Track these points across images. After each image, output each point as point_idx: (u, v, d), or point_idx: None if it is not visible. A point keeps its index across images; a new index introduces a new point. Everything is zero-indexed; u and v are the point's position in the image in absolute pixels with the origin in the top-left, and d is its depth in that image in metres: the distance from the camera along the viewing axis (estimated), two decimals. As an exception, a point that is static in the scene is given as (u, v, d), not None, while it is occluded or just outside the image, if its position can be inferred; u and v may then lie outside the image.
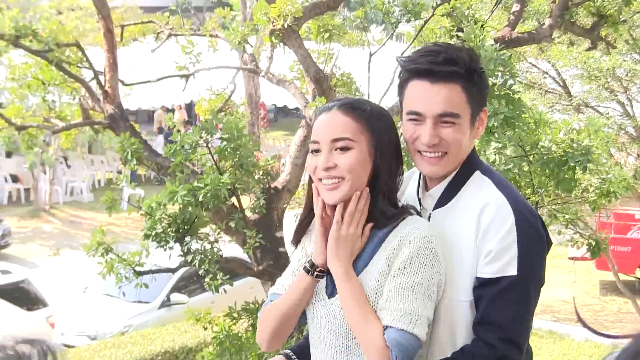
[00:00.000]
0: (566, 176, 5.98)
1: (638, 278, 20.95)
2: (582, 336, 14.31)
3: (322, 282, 2.83)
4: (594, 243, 6.94)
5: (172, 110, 28.37)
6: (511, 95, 6.05)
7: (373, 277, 2.65)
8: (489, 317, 2.61)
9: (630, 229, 20.95)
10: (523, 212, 2.64)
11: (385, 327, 2.55)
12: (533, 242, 2.62)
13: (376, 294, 2.63)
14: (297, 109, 34.22)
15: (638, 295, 18.02)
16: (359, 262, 2.71)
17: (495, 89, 6.02)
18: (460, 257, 2.66)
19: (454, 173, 2.77)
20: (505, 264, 2.58)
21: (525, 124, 6.24)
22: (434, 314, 2.64)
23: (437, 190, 2.79)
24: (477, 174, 2.77)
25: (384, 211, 2.70)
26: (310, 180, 2.81)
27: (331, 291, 2.77)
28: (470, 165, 2.78)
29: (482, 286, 2.62)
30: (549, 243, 2.76)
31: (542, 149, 6.06)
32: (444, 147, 2.68)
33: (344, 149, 2.65)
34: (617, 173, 6.86)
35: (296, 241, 2.99)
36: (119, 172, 26.57)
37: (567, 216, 6.96)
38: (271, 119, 36.67)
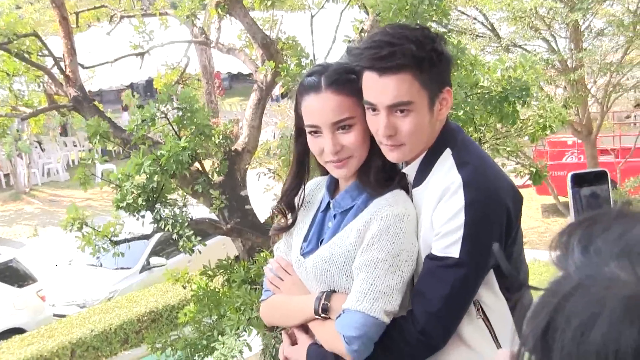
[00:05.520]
0: (508, 111, 5.88)
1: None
2: (530, 257, 14.32)
3: (298, 242, 2.69)
4: (534, 171, 6.91)
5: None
6: (450, 38, 5.92)
7: (343, 245, 2.47)
8: (421, 288, 2.44)
9: (565, 155, 21.08)
10: (478, 195, 2.40)
11: (343, 310, 2.42)
12: (482, 226, 2.38)
13: (345, 260, 2.46)
14: (250, 74, 33.88)
15: (577, 214, 18.14)
16: (344, 219, 2.56)
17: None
18: (424, 237, 2.47)
19: (425, 152, 2.52)
20: (449, 244, 2.37)
21: (463, 67, 6.13)
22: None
23: (412, 168, 2.54)
24: (446, 152, 2.50)
25: (375, 177, 2.51)
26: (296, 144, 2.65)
27: (304, 253, 2.63)
28: (440, 143, 2.51)
29: (428, 259, 2.44)
30: (517, 211, 2.51)
31: (482, 89, 5.94)
32: (400, 140, 2.43)
33: (346, 127, 2.46)
34: (553, 108, 6.78)
35: (287, 206, 2.75)
36: (90, 150, 26.34)
37: (508, 149, 6.91)
38: (226, 86, 36.20)
